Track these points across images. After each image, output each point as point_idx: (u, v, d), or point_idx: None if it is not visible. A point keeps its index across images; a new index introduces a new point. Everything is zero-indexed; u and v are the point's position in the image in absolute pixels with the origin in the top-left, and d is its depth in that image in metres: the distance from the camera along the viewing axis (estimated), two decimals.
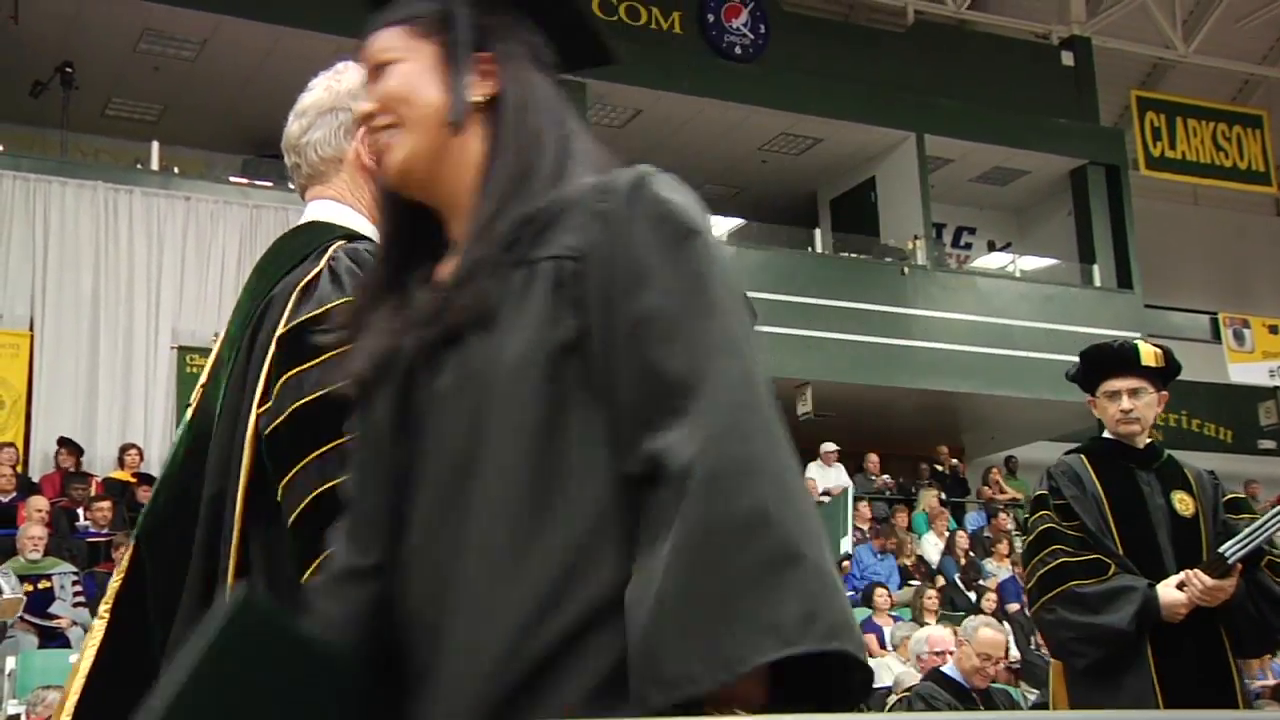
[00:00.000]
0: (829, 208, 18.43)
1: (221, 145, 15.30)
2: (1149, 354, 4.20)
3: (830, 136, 17.00)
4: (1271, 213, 21.32)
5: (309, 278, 1.84)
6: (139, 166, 13.57)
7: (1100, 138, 18.23)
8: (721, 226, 17.00)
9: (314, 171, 2.08)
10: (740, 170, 17.77)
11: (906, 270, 16.41)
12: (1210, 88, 19.32)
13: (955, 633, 7.40)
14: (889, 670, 8.85)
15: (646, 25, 15.57)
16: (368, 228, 1.98)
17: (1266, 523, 3.92)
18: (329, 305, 1.76)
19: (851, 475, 15.02)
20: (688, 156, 16.67)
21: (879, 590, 11.57)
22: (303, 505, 1.71)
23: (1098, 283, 17.68)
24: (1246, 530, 3.91)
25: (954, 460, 15.72)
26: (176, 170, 13.90)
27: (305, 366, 1.75)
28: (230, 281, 12.71)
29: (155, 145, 13.49)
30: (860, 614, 10.91)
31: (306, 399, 1.74)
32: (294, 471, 1.73)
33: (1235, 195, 19.86)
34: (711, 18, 15.79)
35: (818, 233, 17.26)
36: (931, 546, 13.27)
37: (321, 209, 2.05)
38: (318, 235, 1.96)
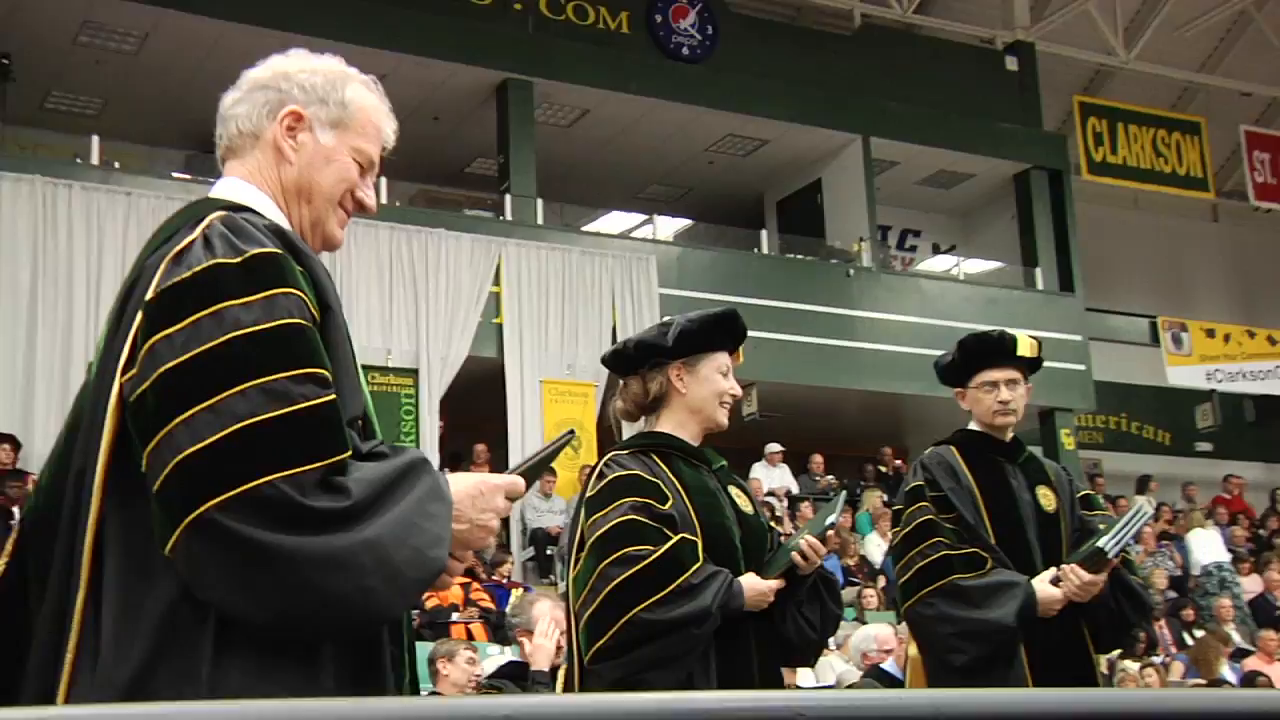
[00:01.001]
0: (775, 209, 18.51)
1: (164, 140, 15.14)
2: (1026, 345, 4.20)
3: (777, 138, 17.06)
4: (1209, 218, 21.61)
5: (181, 245, 1.78)
6: (78, 161, 13.36)
7: (1043, 142, 18.38)
8: (668, 227, 17.36)
9: (231, 144, 2.04)
10: (687, 171, 17.78)
11: (852, 272, 16.51)
12: (1151, 94, 19.55)
13: (896, 631, 7.43)
14: (831, 669, 8.85)
15: (594, 25, 15.66)
16: (272, 210, 1.94)
17: (1131, 520, 3.98)
18: (197, 269, 1.72)
19: (796, 476, 15.16)
20: (634, 157, 17.06)
21: None
22: (167, 470, 1.63)
23: (1040, 286, 17.81)
24: (1117, 527, 3.96)
25: (898, 461, 15.80)
26: (117, 165, 13.71)
27: (171, 330, 1.69)
28: None
29: (95, 140, 13.31)
30: None
31: (173, 363, 1.67)
32: (159, 437, 1.65)
33: (1174, 200, 19.99)
34: (659, 18, 15.83)
35: (764, 234, 17.29)
36: (875, 547, 13.31)
37: (225, 186, 2.00)
38: (201, 208, 1.90)
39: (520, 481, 1.86)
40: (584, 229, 16.26)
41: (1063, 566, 3.98)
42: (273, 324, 1.70)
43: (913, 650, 4.20)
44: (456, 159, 16.49)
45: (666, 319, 3.49)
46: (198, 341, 1.66)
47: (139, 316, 1.74)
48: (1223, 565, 14.92)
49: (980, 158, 17.99)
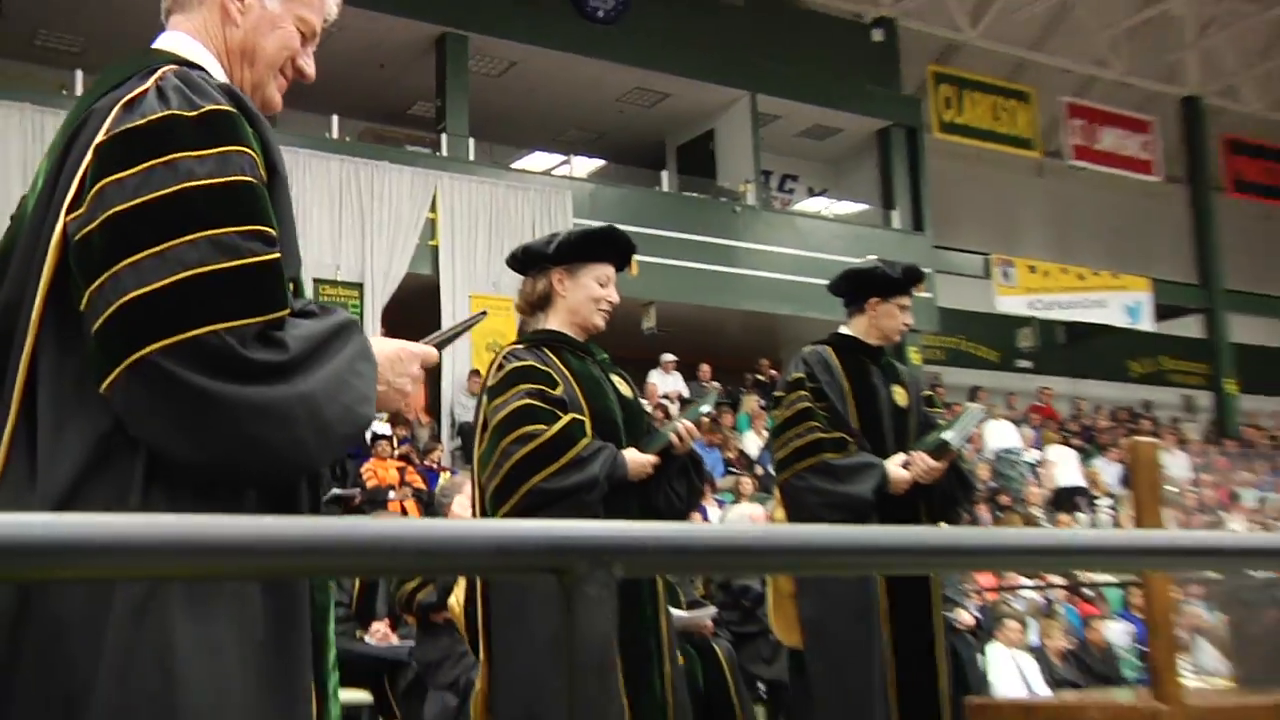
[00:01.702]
0: (675, 153, 18.50)
1: None
2: (922, 275, 4.47)
3: (677, 93, 17.08)
4: (1035, 174, 21.59)
5: (134, 94, 1.63)
6: (64, 93, 13.03)
7: (902, 104, 18.52)
8: (583, 167, 17.37)
9: None
10: (600, 118, 17.73)
11: (738, 209, 16.58)
12: (991, 67, 19.51)
13: (766, 510, 7.76)
14: None
15: None
16: (216, 69, 1.79)
17: (970, 419, 4.18)
18: (152, 117, 1.59)
19: (686, 381, 15.18)
20: (555, 104, 17.01)
21: None
22: (110, 311, 1.52)
23: (896, 226, 17.98)
24: (958, 424, 4.12)
25: (772, 371, 15.66)
26: None
27: (123, 175, 1.56)
28: None
29: (79, 74, 13.02)
30: None
31: (123, 206, 1.55)
32: (104, 278, 1.53)
33: (1007, 157, 20.02)
34: None
35: (664, 174, 17.29)
36: (751, 442, 13.57)
37: (171, 40, 1.83)
38: (150, 58, 1.75)
39: (434, 352, 1.82)
40: (511, 166, 16.16)
41: (911, 453, 4.08)
42: (225, 179, 1.60)
43: (779, 516, 4.30)
44: (399, 101, 16.36)
45: (553, 233, 3.45)
46: (149, 188, 1.56)
47: (89, 156, 1.61)
48: (1011, 450, 15.37)
49: (849, 115, 18.09)
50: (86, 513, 0.94)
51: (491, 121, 15.93)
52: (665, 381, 14.91)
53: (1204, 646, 10.19)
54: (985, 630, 8.80)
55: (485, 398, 3.27)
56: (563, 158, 17.30)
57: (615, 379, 3.42)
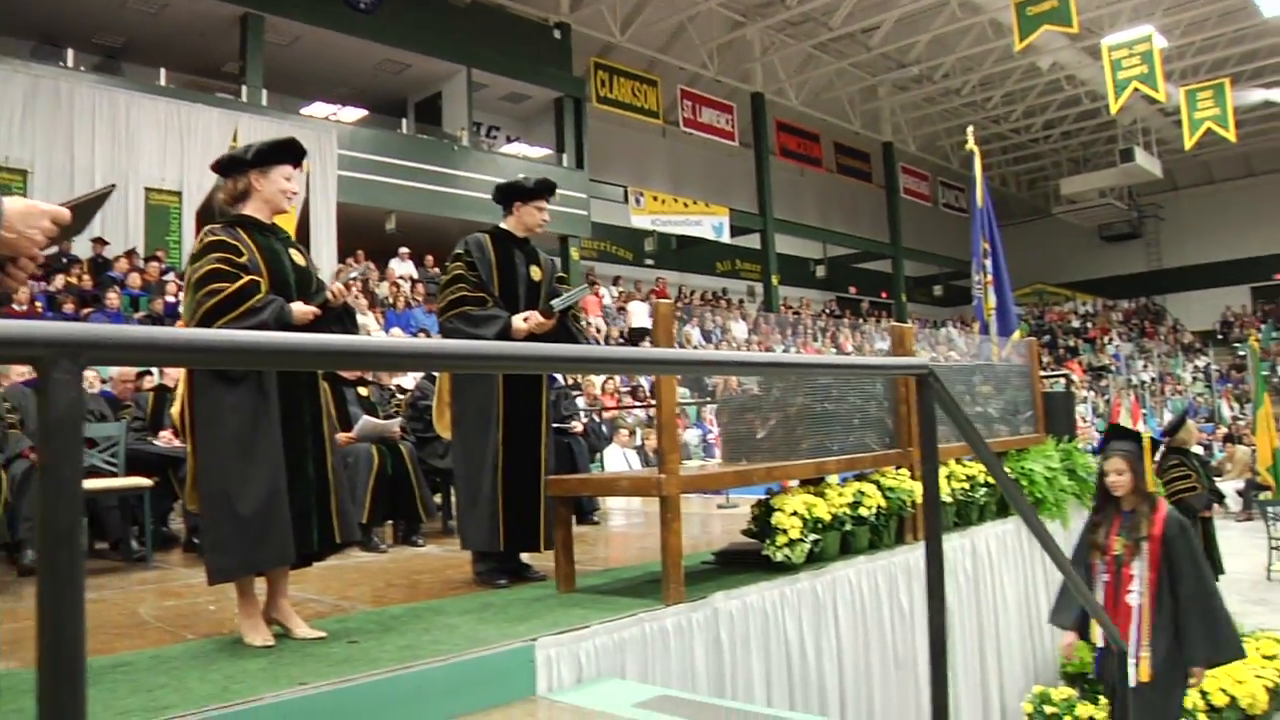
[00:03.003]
0: (413, 108, 18.77)
1: (13, 32, 14.27)
2: (553, 188, 4.31)
3: (416, 64, 17.46)
4: (660, 136, 22.45)
5: None
6: None
7: (572, 82, 19.31)
8: (349, 115, 17.26)
9: None
10: (363, 79, 17.92)
11: (457, 149, 17.24)
12: (633, 61, 20.48)
13: None
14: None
15: None
16: None
17: (575, 293, 4.11)
18: None
19: (416, 267, 15.86)
20: (329, 68, 17.11)
21: (422, 335, 12.20)
22: None
23: (566, 165, 18.91)
24: (565, 294, 4.06)
25: None
26: None
27: None
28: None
29: None
30: None
31: None
32: None
33: (642, 123, 21.02)
34: None
35: (405, 122, 17.82)
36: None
37: None
38: None
39: (66, 213, 1.57)
40: (299, 112, 16.25)
41: (529, 311, 4.00)
42: None
43: None
44: (214, 60, 16.23)
45: (249, 144, 3.22)
46: None
47: None
48: (647, 328, 15.95)
49: (536, 87, 18.93)
50: None
51: (282, 78, 16.04)
52: (401, 267, 15.66)
53: (711, 441, 11.70)
54: (606, 436, 8.73)
55: (188, 263, 3.10)
56: (334, 107, 17.15)
57: (293, 252, 3.22)
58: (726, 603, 3.51)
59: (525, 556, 4.16)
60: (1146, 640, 3.90)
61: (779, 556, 3.87)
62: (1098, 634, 4.07)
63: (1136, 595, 3.95)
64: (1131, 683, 3.94)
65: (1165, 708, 3.91)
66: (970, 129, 7.55)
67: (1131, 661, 3.92)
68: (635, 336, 16.56)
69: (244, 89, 14.96)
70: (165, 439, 5.80)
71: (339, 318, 3.24)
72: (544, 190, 4.16)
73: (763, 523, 4.01)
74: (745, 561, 4.04)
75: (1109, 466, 4.13)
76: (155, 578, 4.62)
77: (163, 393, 6.17)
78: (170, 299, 11.63)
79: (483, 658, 2.68)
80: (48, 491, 0.86)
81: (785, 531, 3.83)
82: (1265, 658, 5.34)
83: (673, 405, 3.45)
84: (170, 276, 12.26)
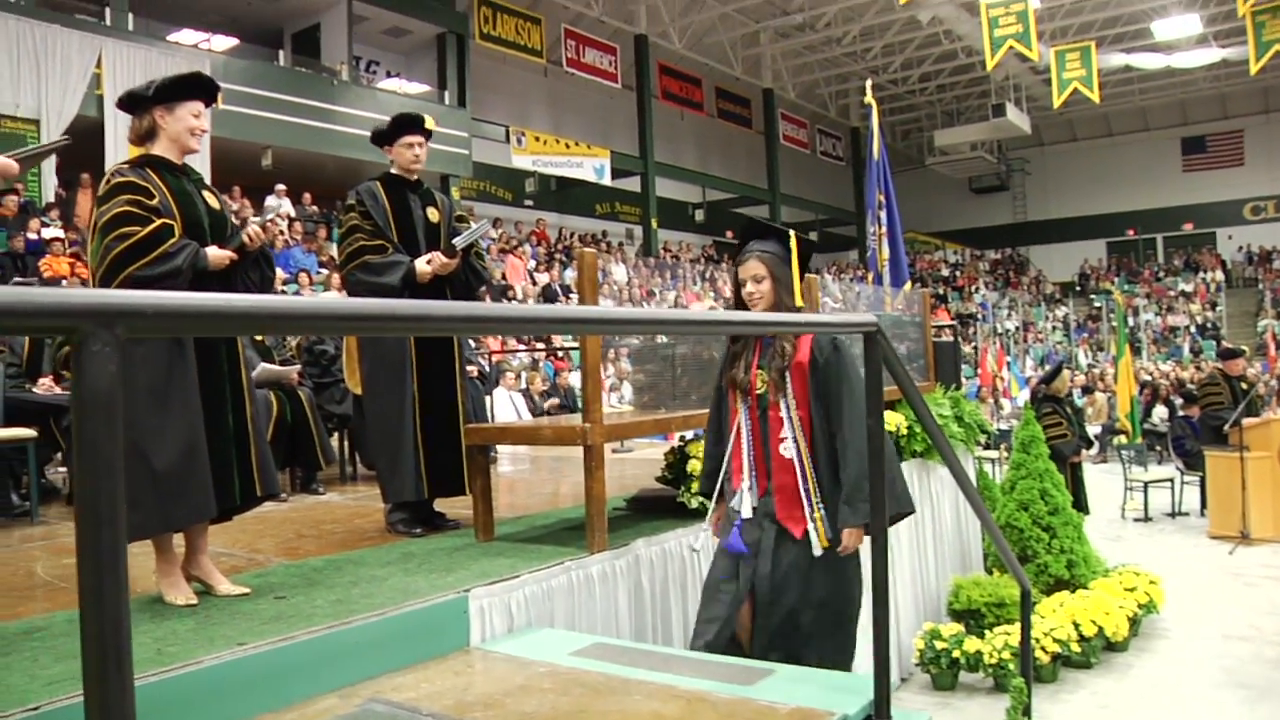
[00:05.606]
0: (290, 39, 18.26)
1: None
2: (430, 122, 4.18)
3: None
4: (542, 75, 21.94)
5: None
6: None
7: (456, 18, 18.98)
8: (222, 44, 16.72)
9: None
10: (236, 6, 17.44)
11: (336, 83, 16.81)
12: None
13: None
14: None
15: None
16: None
17: (475, 230, 4.04)
18: None
19: (294, 205, 15.52)
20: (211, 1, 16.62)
21: (303, 275, 12.46)
22: None
23: (447, 103, 18.52)
24: (465, 233, 4.00)
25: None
26: None
27: None
28: None
29: None
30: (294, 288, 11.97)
31: None
32: None
33: (525, 62, 20.60)
34: None
35: (281, 53, 17.24)
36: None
37: None
38: None
39: (14, 164, 1.42)
40: (166, 39, 15.57)
41: (432, 253, 3.96)
42: None
43: None
44: None
45: (152, 79, 3.07)
46: None
47: None
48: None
49: (419, 21, 18.45)
50: None
51: (149, 2, 15.27)
52: (281, 204, 15.15)
53: (627, 388, 11.66)
54: (493, 379, 8.82)
55: (95, 206, 2.96)
56: (205, 35, 16.57)
57: (206, 194, 3.11)
58: (647, 549, 3.56)
59: (438, 504, 4.12)
60: (817, 498, 2.96)
61: (694, 504, 3.93)
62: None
63: (791, 443, 2.98)
64: (813, 555, 2.97)
65: (845, 584, 3.03)
66: (869, 82, 7.65)
67: (811, 528, 2.95)
68: (548, 294, 16.50)
69: (107, 11, 14.21)
70: (45, 386, 5.60)
71: (255, 262, 3.15)
72: (407, 125, 4.05)
73: (678, 470, 4.04)
74: (658, 508, 4.08)
75: (745, 273, 3.04)
76: (43, 534, 4.40)
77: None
78: (32, 236, 10.89)
79: (417, 610, 2.65)
80: (84, 473, 0.83)
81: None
82: (1126, 589, 5.71)
83: (598, 355, 3.40)
84: (30, 212, 11.52)
